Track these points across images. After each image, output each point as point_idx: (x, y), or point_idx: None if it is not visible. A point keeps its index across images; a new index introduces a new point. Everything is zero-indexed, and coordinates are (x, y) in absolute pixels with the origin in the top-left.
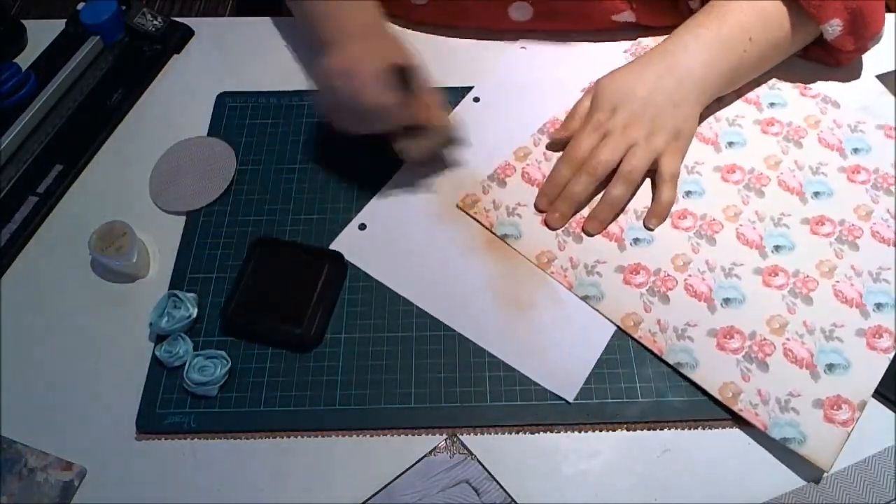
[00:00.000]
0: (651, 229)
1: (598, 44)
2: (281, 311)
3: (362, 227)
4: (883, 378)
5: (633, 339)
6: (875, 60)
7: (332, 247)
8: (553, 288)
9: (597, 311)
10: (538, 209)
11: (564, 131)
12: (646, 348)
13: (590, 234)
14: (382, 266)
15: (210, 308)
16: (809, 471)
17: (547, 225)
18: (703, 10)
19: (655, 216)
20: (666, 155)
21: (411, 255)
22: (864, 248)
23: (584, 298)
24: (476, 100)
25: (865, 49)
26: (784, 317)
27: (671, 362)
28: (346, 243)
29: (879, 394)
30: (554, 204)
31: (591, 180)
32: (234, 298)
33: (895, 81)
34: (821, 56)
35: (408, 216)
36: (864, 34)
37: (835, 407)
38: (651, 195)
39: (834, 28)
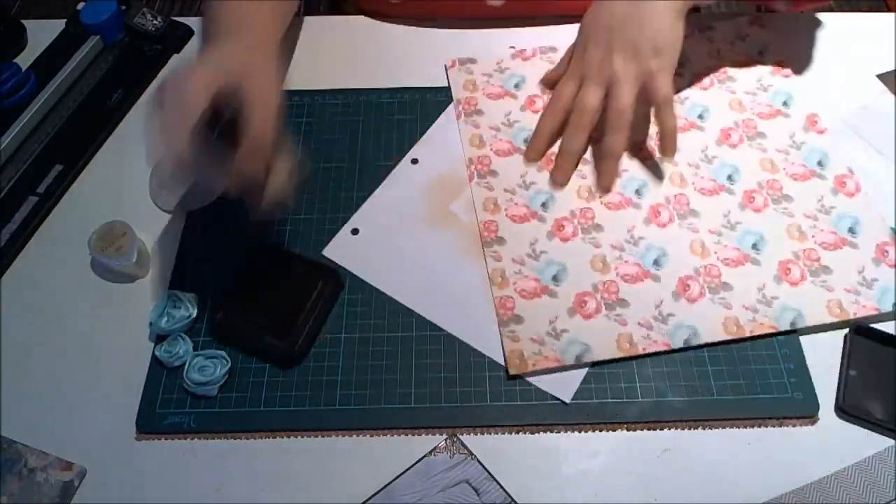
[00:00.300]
0: (671, 159)
1: None
2: (268, 323)
3: (355, 231)
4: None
5: (641, 356)
6: (875, 60)
7: (325, 252)
8: (483, 254)
9: (597, 363)
10: (529, 159)
11: (553, 78)
12: (656, 354)
13: (607, 189)
14: (376, 271)
15: (210, 308)
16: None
17: (553, 181)
18: None
19: (667, 149)
20: (653, 78)
21: (404, 260)
22: (793, 193)
23: (579, 360)
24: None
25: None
26: (699, 242)
27: (680, 346)
28: (339, 248)
29: (842, 410)
30: (556, 161)
31: (581, 132)
32: (222, 308)
33: (895, 81)
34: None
35: (400, 220)
36: None
37: (789, 274)
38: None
39: None
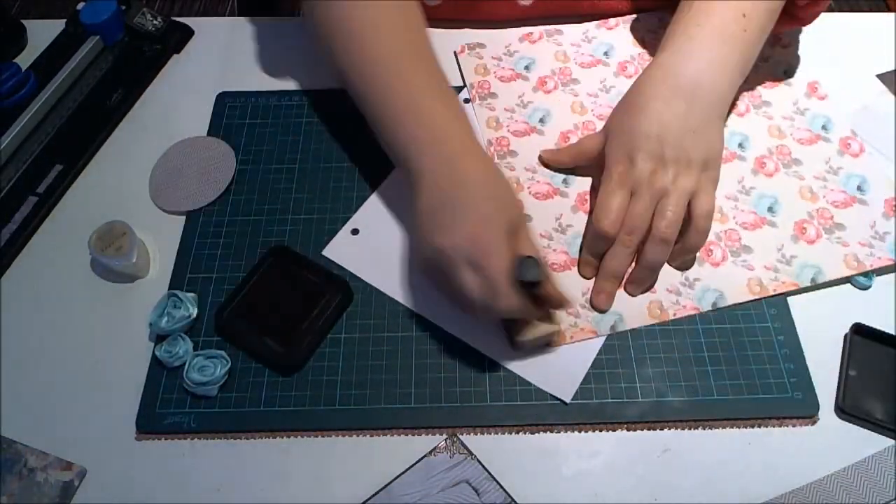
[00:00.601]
0: (685, 271)
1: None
2: (271, 326)
3: (355, 231)
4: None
5: (670, 322)
6: (875, 60)
7: (325, 252)
8: None
9: (630, 331)
10: (585, 277)
11: (552, 160)
12: (684, 320)
13: (632, 295)
14: (376, 271)
15: (210, 308)
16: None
17: (594, 307)
18: (681, 8)
19: (680, 259)
20: (699, 193)
21: (404, 260)
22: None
23: (614, 330)
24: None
25: (825, 6)
26: (717, 208)
27: (709, 308)
28: (339, 249)
29: (842, 410)
30: (597, 284)
31: (627, 252)
32: (232, 302)
33: (895, 81)
34: (783, 22)
35: (400, 220)
36: None
37: (805, 233)
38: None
39: None
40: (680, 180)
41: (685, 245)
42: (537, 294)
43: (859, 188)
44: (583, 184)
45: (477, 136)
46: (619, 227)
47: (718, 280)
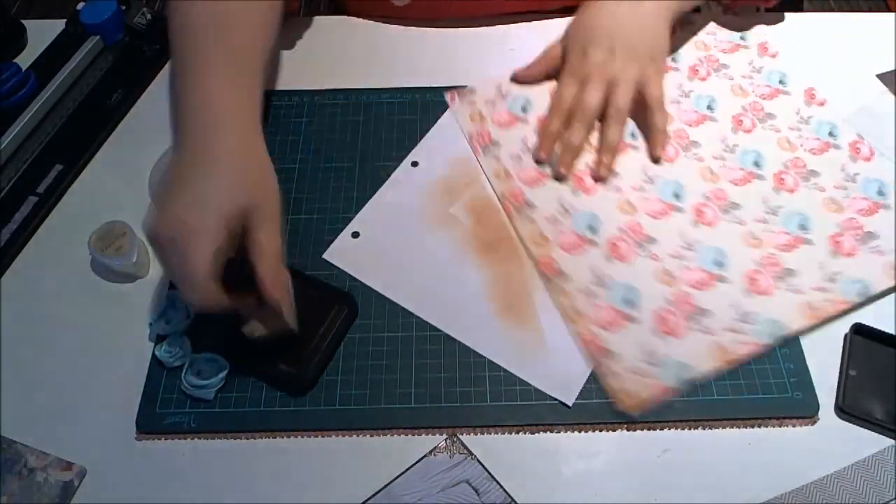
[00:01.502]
0: (657, 160)
1: None
2: (279, 350)
3: (355, 235)
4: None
5: (739, 359)
6: (875, 60)
7: (326, 256)
8: (547, 291)
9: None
10: (541, 159)
11: (527, 75)
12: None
13: (603, 180)
14: (377, 274)
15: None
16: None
17: (556, 175)
18: None
19: (659, 144)
20: (647, 83)
21: (405, 263)
22: (819, 167)
23: (685, 382)
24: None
25: None
26: (748, 233)
27: (771, 341)
28: (340, 252)
29: (842, 410)
30: (560, 157)
31: (584, 126)
32: (237, 327)
33: (895, 81)
34: None
35: (401, 223)
36: None
37: (840, 247)
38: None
39: None
40: (628, 70)
41: (653, 126)
42: (249, 293)
43: (880, 192)
44: (609, 228)
45: (258, 123)
46: (571, 108)
47: (772, 309)
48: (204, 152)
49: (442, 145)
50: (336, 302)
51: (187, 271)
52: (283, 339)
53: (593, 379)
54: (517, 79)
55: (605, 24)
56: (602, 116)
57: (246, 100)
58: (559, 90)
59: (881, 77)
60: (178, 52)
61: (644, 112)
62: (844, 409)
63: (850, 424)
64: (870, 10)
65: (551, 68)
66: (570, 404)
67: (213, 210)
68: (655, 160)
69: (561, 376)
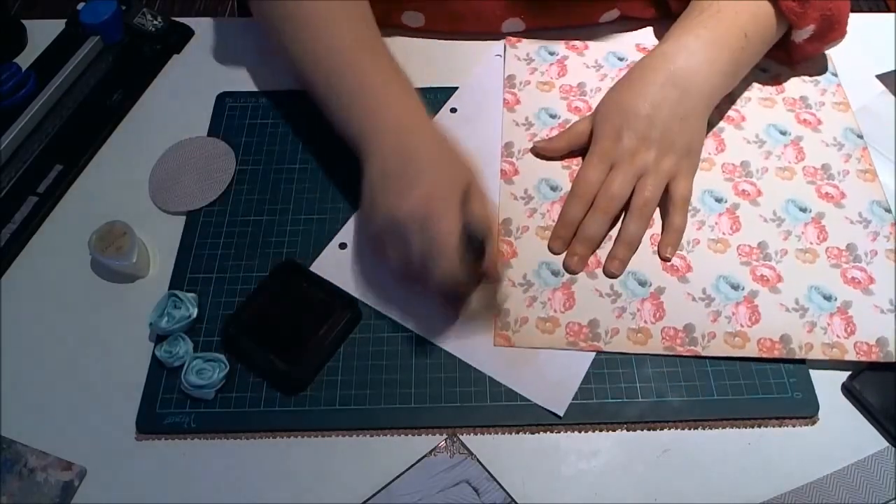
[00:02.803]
0: (668, 259)
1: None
2: (277, 345)
3: (342, 246)
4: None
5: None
6: (875, 60)
7: (313, 268)
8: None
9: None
10: (553, 252)
11: (548, 148)
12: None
13: (613, 276)
14: (365, 286)
15: (210, 308)
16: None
17: (567, 269)
18: (691, 9)
19: (670, 244)
20: (678, 178)
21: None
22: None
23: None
24: (453, 110)
25: (819, 52)
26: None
27: (793, 355)
28: (327, 264)
29: (847, 390)
30: (571, 247)
31: (605, 218)
32: (238, 318)
33: (895, 81)
34: (777, 54)
35: None
36: (826, 39)
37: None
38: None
39: (806, 32)
40: (662, 162)
41: (670, 225)
42: (478, 267)
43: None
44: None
45: (426, 115)
46: (595, 195)
47: (784, 319)
48: (412, 148)
49: None
50: (339, 306)
51: (441, 244)
52: (282, 337)
53: (592, 378)
54: (537, 152)
55: (644, 109)
56: (625, 207)
57: (413, 97)
58: (584, 171)
59: (881, 77)
60: (328, 64)
61: (665, 206)
62: (851, 390)
63: (850, 424)
64: (870, 10)
65: (574, 144)
66: (561, 415)
67: (451, 190)
68: (663, 258)
69: (552, 387)
